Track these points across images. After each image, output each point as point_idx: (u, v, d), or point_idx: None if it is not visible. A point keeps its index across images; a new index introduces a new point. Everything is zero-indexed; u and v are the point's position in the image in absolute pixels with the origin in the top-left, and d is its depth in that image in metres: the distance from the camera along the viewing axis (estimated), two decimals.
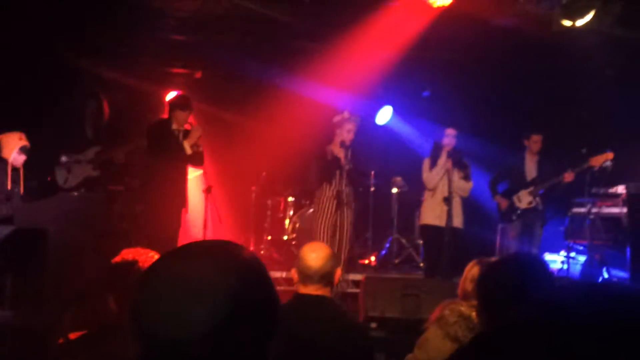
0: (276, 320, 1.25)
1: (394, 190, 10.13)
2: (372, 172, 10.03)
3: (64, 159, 7.71)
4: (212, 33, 8.89)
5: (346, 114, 7.54)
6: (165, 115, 7.34)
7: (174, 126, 7.20)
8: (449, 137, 7.81)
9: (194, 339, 1.12)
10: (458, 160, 7.80)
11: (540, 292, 0.89)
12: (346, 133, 7.41)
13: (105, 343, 2.53)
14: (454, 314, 3.45)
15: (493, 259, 3.24)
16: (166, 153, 7.06)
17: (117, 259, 2.87)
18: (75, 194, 7.42)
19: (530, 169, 8.11)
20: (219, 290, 1.16)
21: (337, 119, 7.53)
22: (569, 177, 7.68)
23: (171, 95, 7.94)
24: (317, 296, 3.23)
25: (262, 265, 1.30)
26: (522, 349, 0.78)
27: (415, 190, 8.69)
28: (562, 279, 7.65)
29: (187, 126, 7.29)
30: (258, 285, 1.24)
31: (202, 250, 1.28)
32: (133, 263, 2.81)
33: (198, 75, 9.99)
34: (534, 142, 8.07)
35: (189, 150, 7.12)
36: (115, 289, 2.78)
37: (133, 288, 1.22)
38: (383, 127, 10.66)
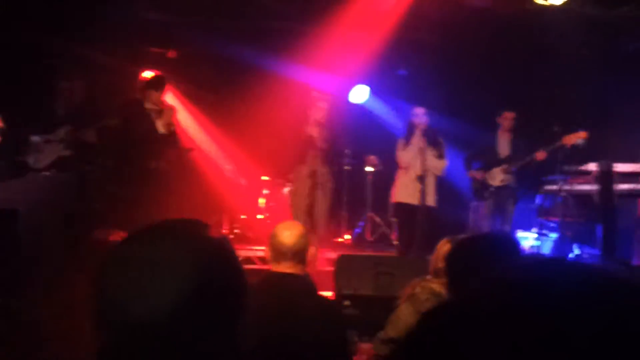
0: (243, 299, 1.24)
1: (369, 169, 10.15)
2: (347, 151, 10.04)
3: (34, 139, 7.61)
4: (186, 12, 8.80)
5: (314, 94, 7.56)
6: (138, 95, 7.26)
7: (147, 105, 7.14)
8: (419, 116, 7.85)
9: (159, 319, 1.11)
10: (432, 138, 7.83)
11: (507, 268, 0.82)
12: (318, 112, 7.42)
13: (78, 324, 2.52)
14: (425, 291, 3.48)
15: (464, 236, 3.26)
16: (140, 132, 7.01)
17: (89, 239, 2.86)
18: (47, 174, 7.34)
19: (503, 146, 8.18)
20: (183, 270, 1.15)
21: (308, 99, 7.55)
22: (540, 155, 7.75)
23: (145, 74, 7.86)
24: (289, 274, 3.23)
25: (229, 245, 1.29)
26: (505, 335, 0.71)
27: (390, 169, 8.72)
28: (533, 256, 7.73)
29: (160, 105, 7.23)
30: (224, 265, 1.23)
31: (167, 230, 1.26)
32: (104, 243, 2.80)
33: (172, 54, 9.90)
34: (506, 119, 8.15)
35: (162, 130, 7.08)
36: (87, 269, 2.77)
37: (97, 269, 1.20)
38: (358, 106, 10.65)
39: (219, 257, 1.23)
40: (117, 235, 2.86)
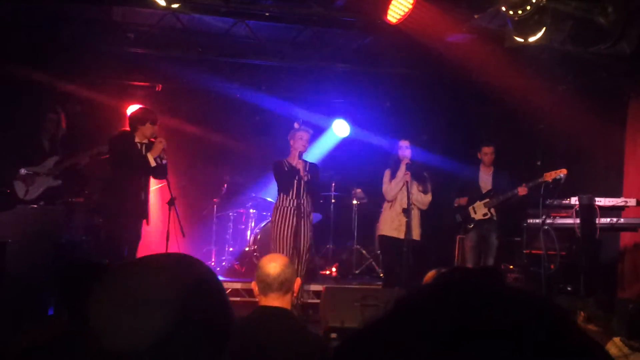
0: (228, 333, 1.25)
1: (355, 201, 10.23)
2: (333, 184, 10.13)
3: (22, 171, 7.65)
4: (172, 47, 8.92)
5: (297, 125, 7.65)
6: (127, 128, 7.31)
7: (137, 139, 7.17)
8: (403, 148, 7.93)
9: (142, 351, 1.13)
10: (417, 172, 7.90)
11: None
12: (300, 143, 7.51)
13: (60, 356, 2.53)
14: None
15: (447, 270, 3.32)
16: (130, 165, 7.01)
17: (72, 270, 2.87)
18: (35, 206, 7.36)
19: (485, 181, 8.31)
20: (168, 303, 1.17)
21: (291, 131, 7.65)
22: (522, 191, 7.88)
23: (132, 108, 7.91)
24: (276, 308, 3.29)
25: (216, 279, 1.31)
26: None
27: (375, 202, 8.79)
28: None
29: (151, 138, 7.24)
30: (210, 299, 1.25)
31: (154, 263, 1.29)
32: (87, 275, 2.82)
33: (158, 88, 9.99)
34: (485, 154, 8.30)
35: (153, 163, 7.09)
36: (69, 301, 2.78)
37: (84, 300, 1.22)
38: (343, 140, 10.77)
39: (205, 290, 1.25)
40: (101, 267, 2.88)
